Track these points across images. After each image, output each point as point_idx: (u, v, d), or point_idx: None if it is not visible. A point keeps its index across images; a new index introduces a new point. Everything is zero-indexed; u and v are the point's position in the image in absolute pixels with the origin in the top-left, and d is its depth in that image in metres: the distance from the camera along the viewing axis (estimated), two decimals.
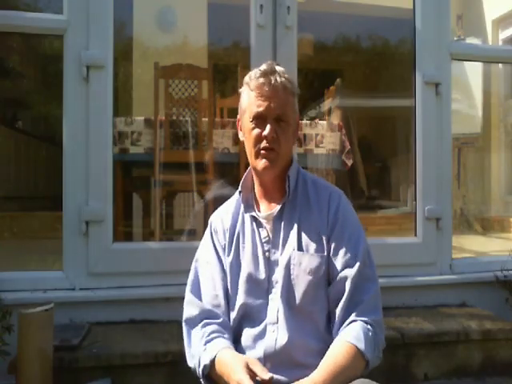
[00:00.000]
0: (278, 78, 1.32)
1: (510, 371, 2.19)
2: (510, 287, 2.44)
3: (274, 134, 1.31)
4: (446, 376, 2.15)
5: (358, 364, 1.20)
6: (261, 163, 1.32)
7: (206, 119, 3.31)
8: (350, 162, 3.89)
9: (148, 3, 5.15)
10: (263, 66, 1.35)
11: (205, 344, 1.28)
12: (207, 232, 1.46)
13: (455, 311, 2.42)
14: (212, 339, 1.28)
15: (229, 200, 1.50)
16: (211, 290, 1.36)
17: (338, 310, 1.27)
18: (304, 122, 3.63)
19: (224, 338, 1.29)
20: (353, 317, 1.26)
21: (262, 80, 1.31)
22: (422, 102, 2.60)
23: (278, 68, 1.35)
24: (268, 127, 1.30)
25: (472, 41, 4.74)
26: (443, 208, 2.60)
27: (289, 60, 2.43)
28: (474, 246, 3.76)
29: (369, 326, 1.25)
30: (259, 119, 1.32)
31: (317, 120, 3.79)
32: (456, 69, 3.13)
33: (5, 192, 5.29)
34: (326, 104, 4.68)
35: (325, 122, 3.79)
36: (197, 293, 1.38)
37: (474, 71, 5.12)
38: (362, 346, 1.20)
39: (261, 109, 1.31)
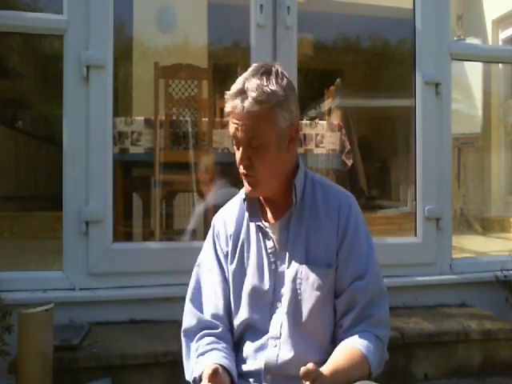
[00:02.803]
0: (247, 101, 1.17)
1: (510, 371, 2.19)
2: (510, 287, 2.44)
3: (247, 161, 1.22)
4: (446, 376, 2.15)
5: (362, 373, 1.17)
6: (245, 186, 1.27)
7: (206, 119, 3.31)
8: (350, 162, 3.90)
9: (148, 3, 5.15)
10: (236, 85, 1.21)
11: (197, 357, 1.25)
12: (209, 235, 1.41)
13: (455, 311, 2.43)
14: (205, 352, 1.24)
15: (232, 201, 1.44)
16: (212, 299, 1.32)
17: (347, 321, 1.24)
18: (304, 121, 3.63)
19: (218, 350, 1.25)
20: (364, 327, 1.22)
21: (231, 103, 1.21)
22: (422, 101, 2.60)
23: (249, 84, 1.18)
24: (239, 155, 1.23)
25: (472, 41, 4.72)
26: (443, 208, 2.60)
27: (289, 60, 2.44)
28: (474, 246, 3.76)
29: (379, 342, 1.22)
30: (236, 141, 1.24)
31: (317, 120, 3.80)
32: (456, 69, 3.13)
33: (5, 192, 5.28)
34: (326, 104, 4.68)
35: (325, 122, 3.80)
36: (197, 302, 1.34)
37: (474, 71, 5.11)
38: (371, 359, 1.17)
39: (233, 131, 1.22)
